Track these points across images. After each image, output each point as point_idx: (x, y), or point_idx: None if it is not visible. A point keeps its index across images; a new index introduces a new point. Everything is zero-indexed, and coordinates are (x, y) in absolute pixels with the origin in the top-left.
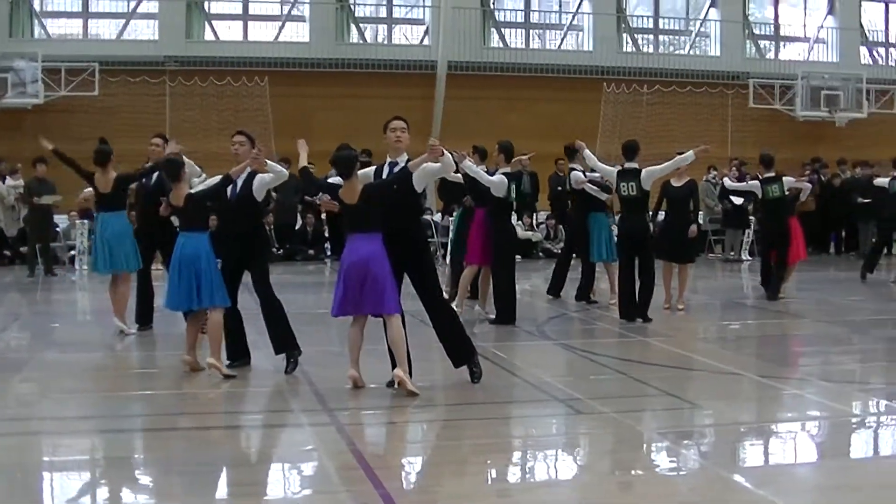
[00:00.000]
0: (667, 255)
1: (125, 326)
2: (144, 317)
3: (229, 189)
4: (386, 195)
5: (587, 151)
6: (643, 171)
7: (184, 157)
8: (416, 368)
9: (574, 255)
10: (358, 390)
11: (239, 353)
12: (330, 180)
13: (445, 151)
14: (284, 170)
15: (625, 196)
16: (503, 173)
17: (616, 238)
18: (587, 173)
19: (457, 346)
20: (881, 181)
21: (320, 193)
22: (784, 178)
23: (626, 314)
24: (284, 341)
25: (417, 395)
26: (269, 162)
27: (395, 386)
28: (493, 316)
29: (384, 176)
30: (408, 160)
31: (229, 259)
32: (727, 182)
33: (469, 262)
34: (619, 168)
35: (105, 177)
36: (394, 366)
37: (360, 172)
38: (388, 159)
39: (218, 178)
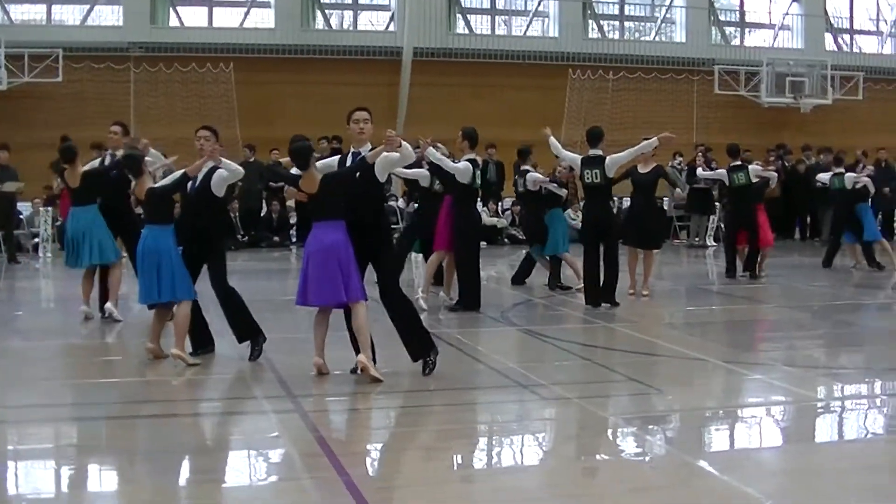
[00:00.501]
0: (633, 242)
1: (116, 311)
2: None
3: (189, 182)
4: (346, 184)
5: (552, 139)
6: (607, 158)
7: (149, 148)
8: (380, 355)
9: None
10: (322, 377)
11: (202, 342)
12: (293, 170)
13: (403, 142)
14: (240, 168)
15: (588, 183)
16: (467, 160)
17: (581, 225)
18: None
19: (415, 340)
20: (824, 177)
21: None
22: (750, 167)
23: (591, 300)
24: (246, 329)
25: (381, 381)
26: (224, 160)
27: (359, 372)
28: (455, 302)
29: (348, 163)
30: (371, 149)
31: (189, 250)
32: (699, 171)
33: (435, 249)
34: (584, 155)
35: (73, 172)
36: (357, 352)
37: (324, 162)
38: (352, 149)
39: (179, 174)
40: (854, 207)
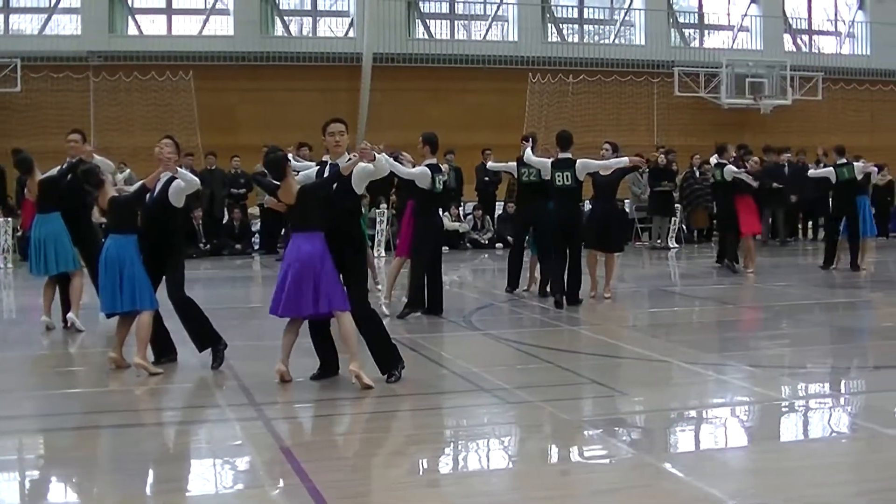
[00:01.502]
0: (594, 245)
1: (78, 322)
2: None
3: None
4: (322, 195)
5: (527, 152)
6: (578, 161)
7: (93, 154)
8: (342, 359)
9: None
10: (286, 384)
11: (165, 351)
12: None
13: (377, 154)
14: (196, 179)
15: (559, 186)
16: (427, 165)
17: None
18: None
19: (383, 354)
20: (819, 172)
21: (266, 196)
22: (726, 168)
23: (558, 302)
24: (205, 337)
25: (372, 387)
26: (180, 170)
27: (353, 381)
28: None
29: (326, 174)
30: (349, 160)
31: (149, 260)
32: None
33: (398, 254)
34: (554, 159)
35: (32, 181)
36: (322, 360)
37: (304, 172)
38: (329, 161)
39: (138, 185)
40: (856, 199)
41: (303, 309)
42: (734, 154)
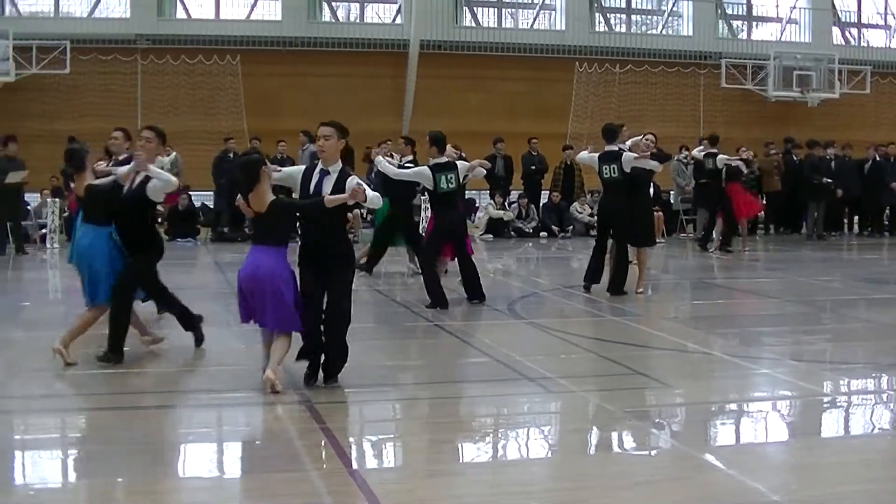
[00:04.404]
0: (624, 239)
1: None
2: None
3: (126, 186)
4: (294, 213)
5: (582, 153)
6: (623, 154)
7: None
8: (388, 346)
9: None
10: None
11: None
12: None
13: (370, 192)
14: (173, 178)
15: (606, 178)
16: (433, 164)
17: (597, 218)
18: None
19: (335, 365)
20: None
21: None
22: (718, 157)
23: (586, 287)
24: (184, 319)
25: (279, 391)
26: (153, 169)
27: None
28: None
29: (314, 181)
30: (341, 170)
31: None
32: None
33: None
34: (601, 152)
35: (80, 182)
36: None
37: (288, 170)
38: (319, 166)
39: (112, 179)
40: None
41: (266, 320)
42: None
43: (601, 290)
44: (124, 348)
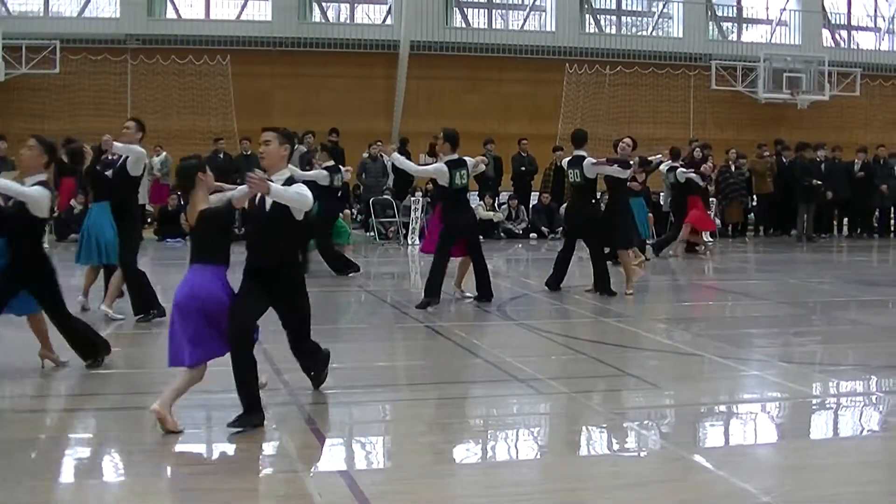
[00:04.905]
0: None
1: (111, 312)
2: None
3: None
4: (220, 224)
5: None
6: (585, 160)
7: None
8: (379, 347)
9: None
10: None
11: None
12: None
13: (274, 185)
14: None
15: (572, 182)
16: (447, 161)
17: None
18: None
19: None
20: None
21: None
22: (678, 171)
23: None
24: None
25: (180, 432)
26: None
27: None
28: (469, 295)
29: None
30: (287, 178)
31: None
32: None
33: (422, 250)
34: (570, 156)
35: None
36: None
37: (230, 194)
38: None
39: None
40: None
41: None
42: (702, 153)
43: (596, 293)
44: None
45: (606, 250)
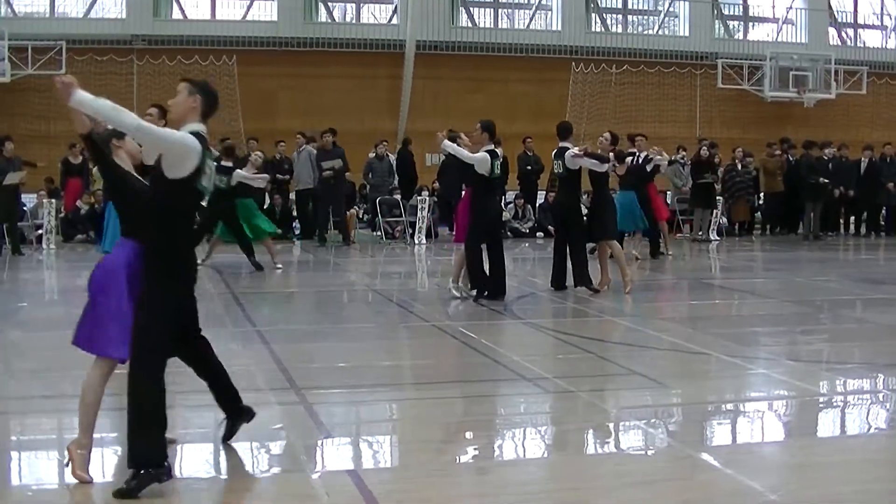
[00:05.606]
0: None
1: None
2: None
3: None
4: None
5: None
6: (567, 151)
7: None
8: (385, 346)
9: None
10: (324, 369)
11: None
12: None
13: (78, 93)
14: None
15: (555, 174)
16: (486, 151)
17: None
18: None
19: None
20: None
21: None
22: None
23: (555, 283)
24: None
25: (90, 482)
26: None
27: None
28: (477, 293)
29: None
30: (195, 132)
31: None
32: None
33: (456, 241)
34: (555, 149)
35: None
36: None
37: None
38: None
39: None
40: None
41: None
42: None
43: (601, 292)
44: None
45: (590, 246)
